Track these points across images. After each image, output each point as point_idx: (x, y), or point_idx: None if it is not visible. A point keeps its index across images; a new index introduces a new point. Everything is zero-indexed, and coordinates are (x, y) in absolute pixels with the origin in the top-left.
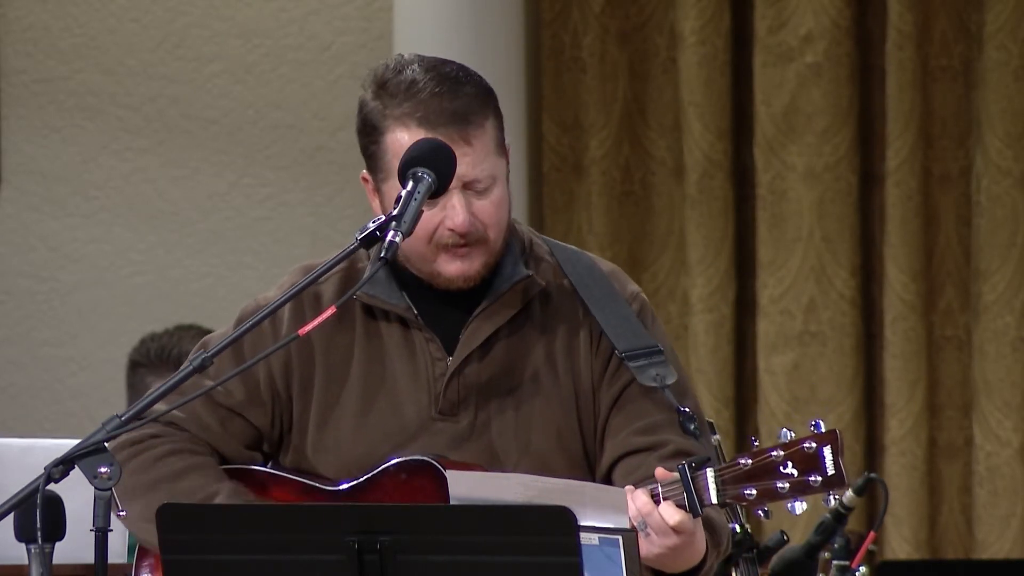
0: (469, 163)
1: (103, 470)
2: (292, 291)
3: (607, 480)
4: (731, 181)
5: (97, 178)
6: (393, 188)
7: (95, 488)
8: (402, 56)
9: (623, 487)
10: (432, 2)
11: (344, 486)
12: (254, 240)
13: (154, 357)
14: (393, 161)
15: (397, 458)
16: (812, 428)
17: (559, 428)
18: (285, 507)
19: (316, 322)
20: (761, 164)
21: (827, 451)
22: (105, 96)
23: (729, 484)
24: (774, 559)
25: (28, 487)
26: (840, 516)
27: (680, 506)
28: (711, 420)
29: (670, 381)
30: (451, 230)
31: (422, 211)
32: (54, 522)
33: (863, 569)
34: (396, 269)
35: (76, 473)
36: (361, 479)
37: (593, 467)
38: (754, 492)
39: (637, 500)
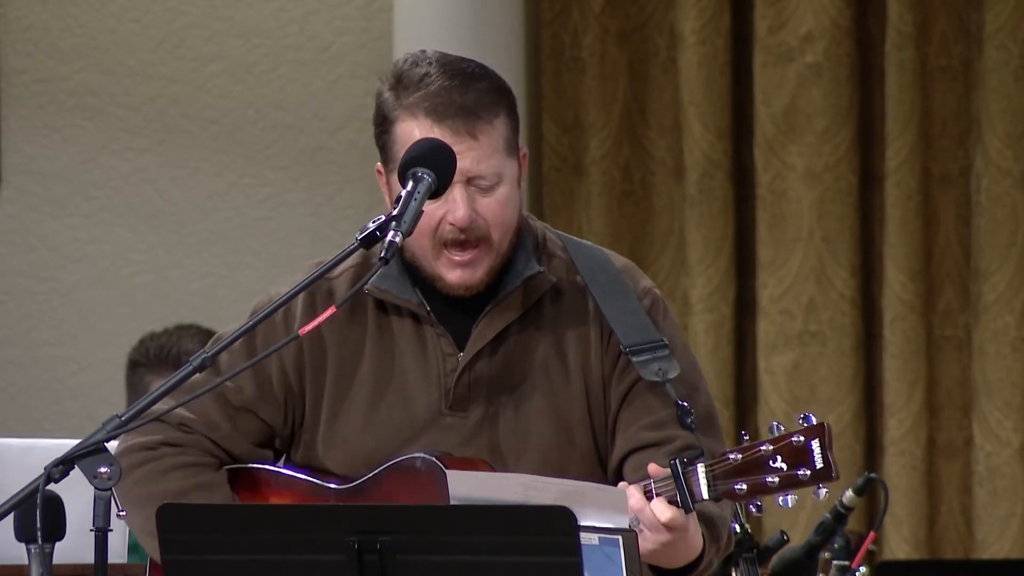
0: (474, 158)
1: (103, 470)
2: (293, 290)
3: (618, 475)
4: (731, 181)
5: (97, 178)
6: (395, 176)
7: (95, 488)
8: (424, 51)
9: (632, 483)
10: (432, 2)
11: (347, 485)
12: (254, 240)
13: (153, 356)
14: (401, 151)
15: (400, 457)
16: (801, 422)
17: (569, 424)
18: (285, 507)
19: (316, 322)
20: (761, 164)
21: (815, 444)
22: (105, 96)
23: (720, 479)
24: (774, 559)
25: (28, 487)
26: (840, 516)
27: (672, 502)
28: None
29: (672, 375)
30: (452, 224)
31: (422, 211)
32: (54, 522)
33: (863, 569)
34: (408, 265)
35: (76, 473)
36: (365, 478)
37: (605, 463)
38: (744, 487)
39: (630, 497)
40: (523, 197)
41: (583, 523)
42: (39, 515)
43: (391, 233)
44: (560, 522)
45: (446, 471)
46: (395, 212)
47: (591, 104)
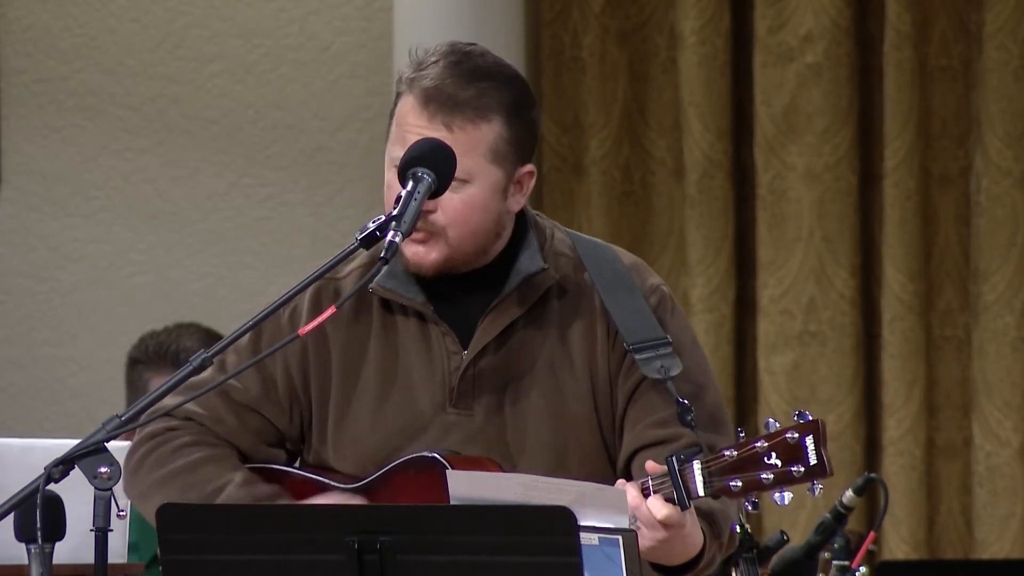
0: None
1: (103, 470)
2: (295, 288)
3: (626, 474)
4: (731, 181)
5: (97, 178)
6: (387, 156)
7: (95, 488)
8: (464, 43)
9: (640, 480)
10: (432, 2)
11: (355, 484)
12: (254, 240)
13: (153, 354)
14: (394, 125)
15: (406, 456)
16: (796, 418)
17: (575, 421)
18: (285, 507)
19: (316, 322)
20: (761, 164)
21: (809, 441)
22: (105, 96)
23: (715, 475)
24: (774, 559)
25: (28, 487)
26: (840, 516)
27: (669, 499)
28: None
29: (674, 372)
30: None
31: (423, 211)
32: (54, 522)
33: (863, 569)
34: None
35: (76, 473)
36: (373, 476)
37: (614, 460)
38: (739, 483)
39: (627, 494)
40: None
41: (583, 523)
42: (39, 515)
43: (391, 233)
44: (560, 522)
45: (446, 471)
46: (395, 212)
47: (591, 104)
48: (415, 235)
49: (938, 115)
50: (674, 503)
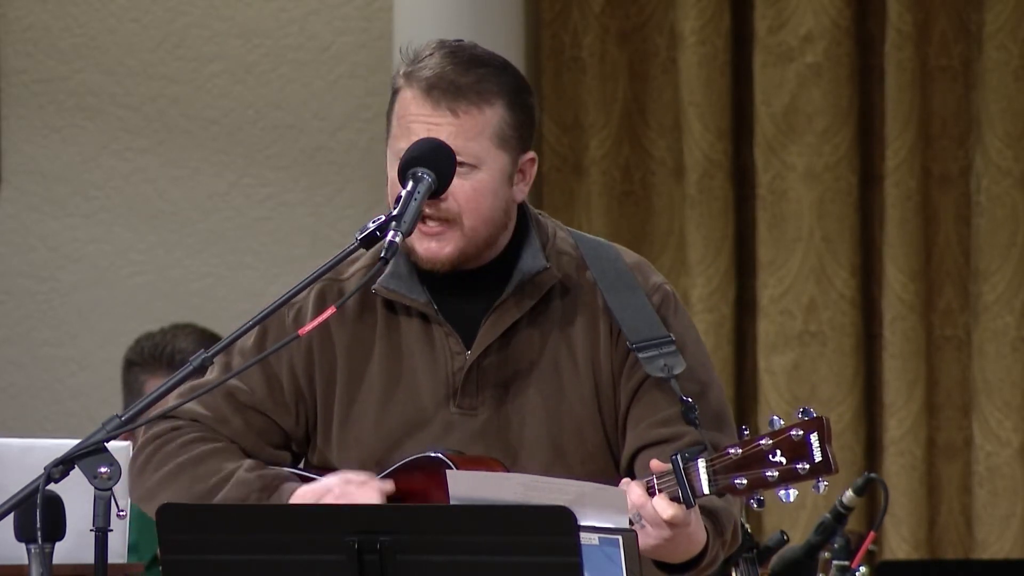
0: (450, 133)
1: (103, 470)
2: (295, 288)
3: (629, 473)
4: (731, 181)
5: (97, 178)
6: (389, 151)
7: (95, 488)
8: (453, 40)
9: (645, 479)
10: (432, 2)
11: None
12: (254, 240)
13: (148, 356)
14: (396, 120)
15: (410, 456)
16: (800, 416)
17: (579, 421)
18: (285, 507)
19: (316, 323)
20: (761, 164)
21: (814, 438)
22: (105, 96)
23: (720, 474)
24: (774, 559)
25: (28, 487)
26: (840, 516)
27: (675, 498)
28: None
29: (677, 371)
30: None
31: (423, 211)
32: (54, 522)
33: (863, 569)
34: (416, 264)
35: (76, 473)
36: (379, 477)
37: (617, 459)
38: (744, 481)
39: (632, 493)
40: (525, 198)
41: (583, 523)
42: (39, 515)
43: (391, 233)
44: (560, 522)
45: (446, 471)
46: (395, 212)
47: (591, 104)
48: (429, 229)
49: (938, 115)
50: (679, 502)
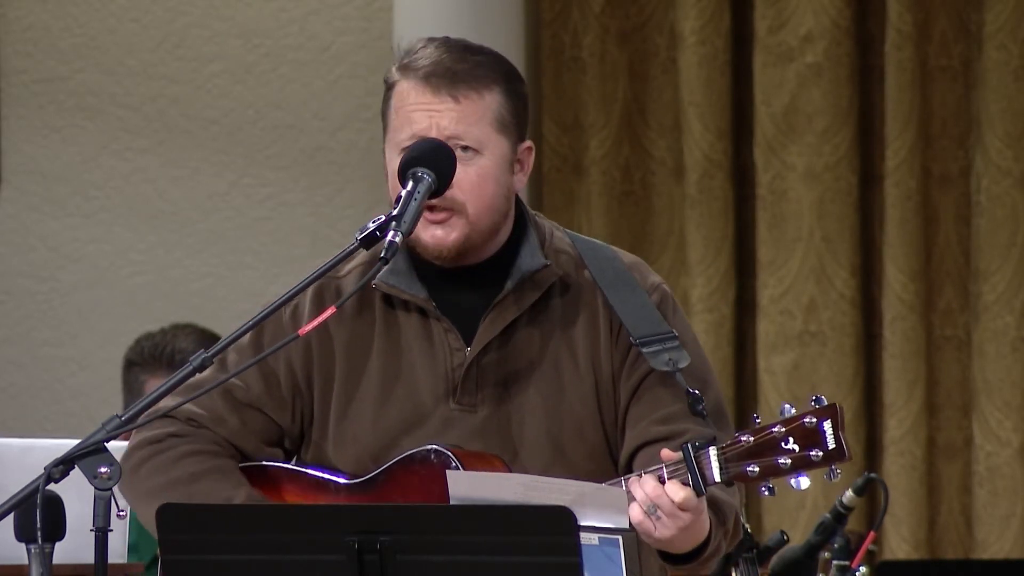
0: (452, 118)
1: (103, 470)
2: (295, 288)
3: (627, 471)
4: (731, 181)
5: (97, 178)
6: (388, 145)
7: (95, 488)
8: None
9: (654, 468)
10: (432, 2)
11: (358, 480)
12: (254, 240)
13: (148, 355)
14: (394, 115)
15: (412, 450)
16: (813, 403)
17: (578, 418)
18: (285, 507)
19: (316, 322)
20: (761, 164)
21: (827, 425)
22: (105, 96)
23: (732, 461)
24: (774, 559)
25: (28, 487)
26: (840, 516)
27: (685, 485)
28: None
29: (682, 364)
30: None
31: (422, 211)
32: (54, 522)
33: (863, 569)
34: (415, 261)
35: (76, 473)
36: (377, 471)
37: (616, 456)
38: (756, 469)
39: (646, 485)
40: (523, 188)
41: (583, 523)
42: (39, 515)
43: (391, 233)
44: (560, 522)
45: (446, 471)
46: (395, 212)
47: (591, 104)
48: (434, 216)
49: (938, 115)
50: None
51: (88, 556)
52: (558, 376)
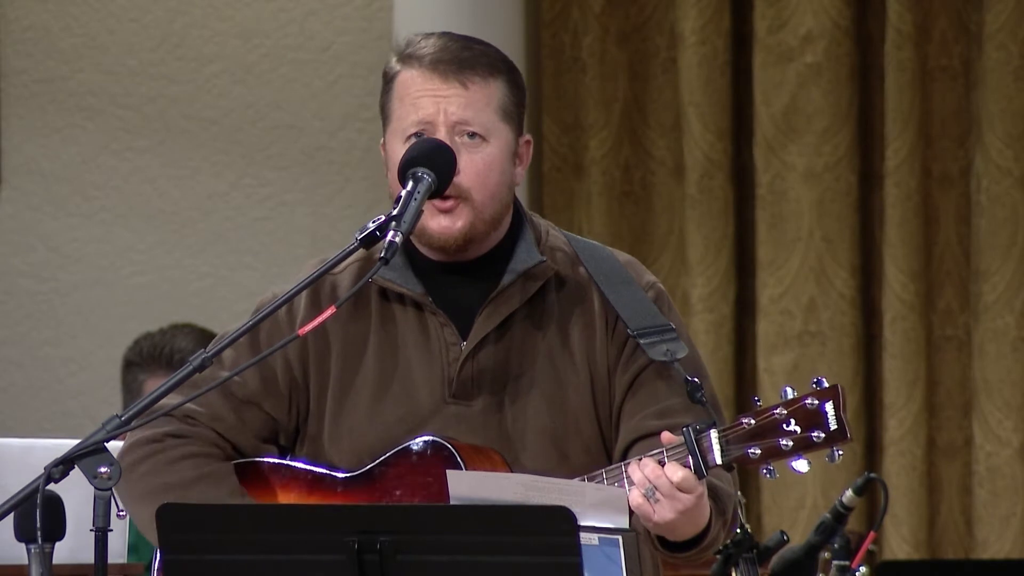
0: (460, 104)
1: (103, 470)
2: (294, 289)
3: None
4: (731, 181)
5: (97, 178)
6: (391, 135)
7: (95, 488)
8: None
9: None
10: (432, 2)
11: (355, 473)
12: (254, 240)
13: (147, 355)
14: (397, 105)
15: (408, 441)
16: (814, 385)
17: (574, 412)
18: (285, 507)
19: (316, 322)
20: (761, 164)
21: (828, 407)
22: (105, 96)
23: (733, 444)
24: (774, 559)
25: (28, 487)
26: (840, 516)
27: (684, 467)
28: None
29: (680, 355)
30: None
31: (422, 211)
32: (54, 522)
33: (863, 569)
34: (411, 256)
35: (76, 473)
36: (374, 463)
37: (610, 451)
38: (758, 451)
39: (645, 468)
40: (523, 188)
41: (583, 523)
42: (39, 515)
43: (391, 233)
44: (560, 522)
45: (446, 471)
46: (395, 212)
47: (591, 104)
48: (441, 204)
49: (938, 115)
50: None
51: (88, 556)
52: (554, 370)
